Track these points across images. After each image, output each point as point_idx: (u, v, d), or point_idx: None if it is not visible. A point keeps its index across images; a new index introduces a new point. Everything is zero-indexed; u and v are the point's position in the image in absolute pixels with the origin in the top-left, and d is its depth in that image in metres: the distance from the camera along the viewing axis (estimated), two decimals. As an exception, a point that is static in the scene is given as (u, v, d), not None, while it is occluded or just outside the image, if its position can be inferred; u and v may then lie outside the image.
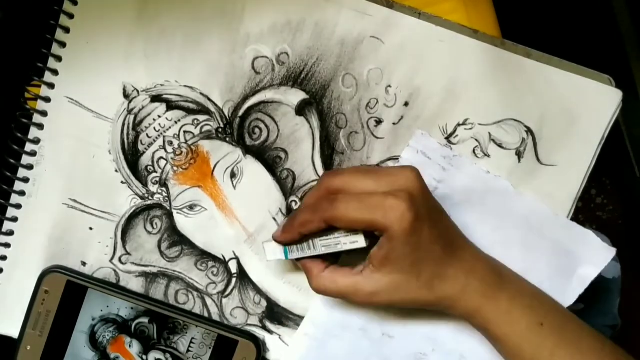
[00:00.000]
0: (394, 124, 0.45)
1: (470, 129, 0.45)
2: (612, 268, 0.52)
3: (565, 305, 0.44)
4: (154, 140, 0.46)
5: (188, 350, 0.47)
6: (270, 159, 0.46)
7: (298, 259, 0.42)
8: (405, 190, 0.37)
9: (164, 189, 0.46)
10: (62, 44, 0.44)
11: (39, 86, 0.45)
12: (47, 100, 0.45)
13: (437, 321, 0.45)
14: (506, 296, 0.40)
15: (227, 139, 0.46)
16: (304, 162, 0.46)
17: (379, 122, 0.45)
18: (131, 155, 0.46)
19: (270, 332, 0.47)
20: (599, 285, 0.45)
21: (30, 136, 0.45)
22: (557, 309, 0.42)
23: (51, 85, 0.45)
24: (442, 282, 0.39)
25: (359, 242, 0.39)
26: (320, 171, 0.46)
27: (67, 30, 0.44)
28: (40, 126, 0.45)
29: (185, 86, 0.45)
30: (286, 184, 0.46)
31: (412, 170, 0.39)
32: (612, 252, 0.45)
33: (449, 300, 0.40)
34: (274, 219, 0.46)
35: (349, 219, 0.37)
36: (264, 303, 0.47)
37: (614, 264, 0.51)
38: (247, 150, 0.46)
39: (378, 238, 0.39)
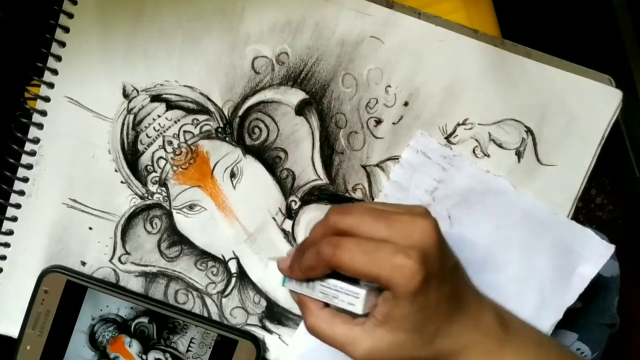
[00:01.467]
0: (393, 123, 0.45)
1: (470, 128, 0.45)
2: (610, 266, 0.52)
3: (567, 304, 0.44)
4: (154, 140, 0.46)
5: (188, 350, 0.47)
6: (270, 158, 0.46)
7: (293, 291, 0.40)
8: (418, 248, 0.33)
9: (163, 188, 0.46)
10: (62, 44, 0.44)
11: (39, 86, 0.45)
12: (47, 99, 0.45)
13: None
14: (510, 350, 0.38)
15: (227, 139, 0.46)
16: (304, 161, 0.46)
17: (378, 121, 0.45)
18: (131, 154, 0.46)
19: (269, 331, 0.47)
20: (597, 284, 0.45)
21: (30, 136, 0.45)
22: (564, 356, 0.40)
23: (51, 85, 0.45)
24: (444, 338, 0.36)
25: (356, 306, 0.35)
26: (320, 171, 0.46)
27: (66, 29, 0.44)
28: (40, 126, 0.45)
29: (184, 86, 0.45)
30: (286, 184, 0.46)
31: (429, 221, 0.35)
32: (610, 248, 0.45)
33: (449, 356, 0.37)
34: (274, 218, 0.46)
35: (353, 269, 0.34)
36: (264, 303, 0.47)
37: (612, 262, 0.51)
38: (247, 150, 0.46)
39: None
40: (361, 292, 0.35)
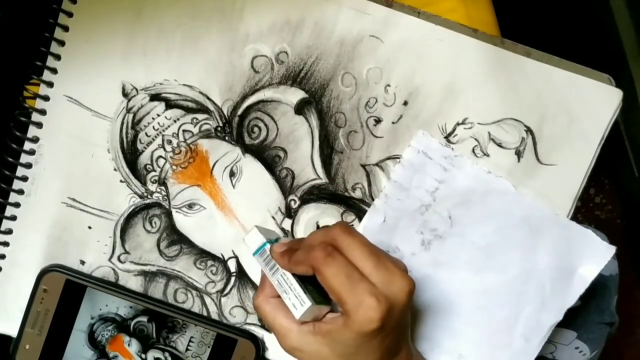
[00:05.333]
0: (393, 123, 0.45)
1: (470, 128, 0.45)
2: (609, 265, 0.52)
3: (568, 305, 0.44)
4: (153, 139, 0.46)
5: (187, 349, 0.47)
6: (269, 157, 0.46)
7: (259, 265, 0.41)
8: (390, 300, 0.36)
9: (162, 187, 0.46)
10: (61, 43, 0.44)
11: (38, 85, 0.45)
12: (46, 98, 0.45)
13: (435, 321, 0.45)
14: None
15: (226, 138, 0.46)
16: (303, 161, 0.46)
17: (378, 121, 0.45)
18: (130, 154, 0.46)
19: (269, 330, 0.47)
20: (596, 283, 0.45)
21: (29, 135, 0.45)
22: None
23: (50, 84, 0.45)
24: None
25: (297, 311, 0.38)
26: (320, 170, 0.46)
27: (66, 29, 0.44)
28: (39, 125, 0.45)
29: (184, 85, 0.45)
30: (285, 183, 0.46)
31: (410, 285, 0.37)
32: (611, 250, 0.45)
33: None
34: (273, 217, 0.46)
35: (329, 283, 0.36)
36: (263, 302, 0.47)
37: (611, 261, 0.51)
38: (246, 149, 0.46)
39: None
40: (308, 302, 0.37)
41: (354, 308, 0.36)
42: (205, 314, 0.47)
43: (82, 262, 0.47)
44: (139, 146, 0.46)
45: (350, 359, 0.38)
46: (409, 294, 0.37)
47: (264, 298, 0.40)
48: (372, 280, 0.36)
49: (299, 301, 0.38)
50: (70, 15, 0.44)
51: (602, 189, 0.99)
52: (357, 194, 0.46)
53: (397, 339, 0.38)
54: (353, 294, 0.36)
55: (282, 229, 0.46)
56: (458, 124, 0.45)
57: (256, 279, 0.47)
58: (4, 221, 0.46)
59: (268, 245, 0.40)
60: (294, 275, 0.39)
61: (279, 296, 0.39)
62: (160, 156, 0.46)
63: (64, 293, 0.45)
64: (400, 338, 0.39)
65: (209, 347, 0.47)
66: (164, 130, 0.45)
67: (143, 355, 0.47)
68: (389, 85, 0.45)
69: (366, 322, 0.36)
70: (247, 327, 0.47)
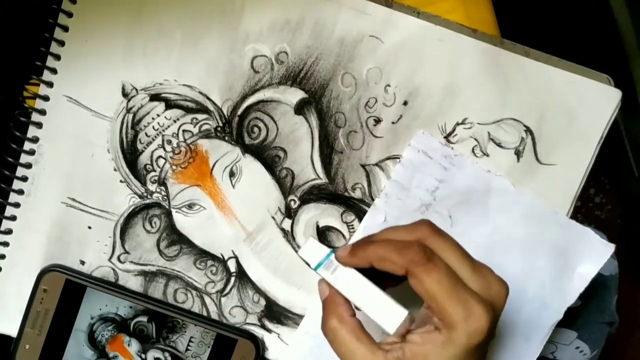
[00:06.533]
0: (392, 123, 0.45)
1: (469, 128, 0.45)
2: (609, 265, 0.52)
3: (568, 304, 0.44)
4: (153, 139, 0.46)
5: (187, 349, 0.47)
6: (269, 158, 0.46)
7: (323, 282, 0.36)
8: (494, 306, 0.32)
9: (162, 187, 0.46)
10: (61, 43, 0.44)
11: (38, 85, 0.45)
12: (46, 99, 0.45)
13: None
14: None
15: (226, 138, 0.46)
16: (303, 161, 0.46)
17: (377, 121, 0.45)
18: (130, 154, 0.46)
19: (269, 330, 0.47)
20: (596, 282, 0.45)
21: (29, 135, 0.45)
22: None
23: (50, 84, 0.45)
24: None
25: (392, 325, 0.32)
26: (319, 170, 0.46)
27: (65, 29, 0.44)
28: (39, 125, 0.45)
29: (184, 85, 0.45)
30: (285, 183, 0.46)
31: (507, 287, 0.33)
32: (610, 248, 0.45)
33: None
34: (273, 217, 0.46)
35: (431, 291, 0.31)
36: (263, 302, 0.47)
37: (611, 260, 0.51)
38: (246, 149, 0.46)
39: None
40: (404, 311, 0.33)
41: (462, 319, 0.31)
42: (205, 314, 0.47)
43: (82, 262, 0.47)
44: (139, 146, 0.46)
45: None
46: (506, 296, 0.33)
47: (339, 320, 0.34)
48: (471, 285, 0.32)
49: (392, 312, 0.32)
50: (70, 15, 0.44)
51: (601, 188, 0.99)
52: (357, 194, 0.46)
53: (486, 352, 0.34)
54: (461, 303, 0.31)
55: (282, 229, 0.46)
56: (458, 123, 0.45)
57: (256, 278, 0.47)
58: (4, 221, 0.46)
59: (333, 255, 0.35)
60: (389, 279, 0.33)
61: (354, 315, 0.34)
62: (160, 156, 0.46)
63: (63, 293, 0.45)
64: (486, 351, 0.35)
65: (208, 347, 0.47)
66: (163, 130, 0.46)
67: (143, 355, 0.47)
68: (388, 85, 0.45)
69: (476, 334, 0.31)
70: (247, 327, 0.47)
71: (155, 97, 0.45)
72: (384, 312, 0.32)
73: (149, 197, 0.46)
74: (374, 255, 0.33)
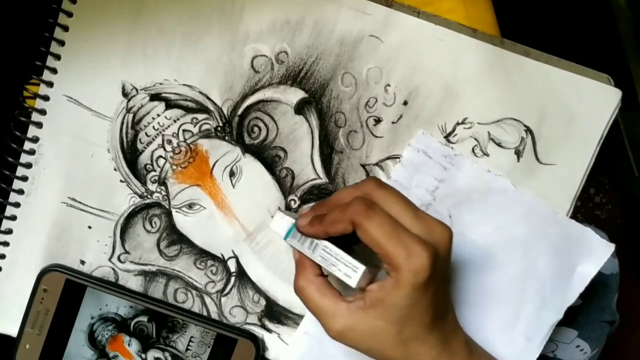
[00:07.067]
0: (393, 122, 0.45)
1: (469, 128, 0.45)
2: (610, 264, 0.52)
3: (568, 304, 0.44)
4: (153, 139, 0.46)
5: (187, 349, 0.47)
6: (269, 157, 0.46)
7: (293, 247, 0.40)
8: (435, 246, 0.35)
9: (162, 187, 0.46)
10: (61, 43, 0.44)
11: (38, 84, 0.45)
12: (46, 98, 0.45)
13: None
14: None
15: (226, 138, 0.46)
16: (303, 160, 0.46)
17: (378, 120, 0.45)
18: (130, 153, 0.46)
19: (269, 330, 0.47)
20: (597, 281, 0.45)
21: (29, 135, 0.45)
22: None
23: (50, 84, 0.45)
24: (419, 346, 0.37)
25: (352, 279, 0.36)
26: (320, 170, 0.46)
27: (65, 28, 0.44)
28: (39, 125, 0.45)
29: (184, 85, 0.45)
30: (285, 183, 0.46)
31: (449, 230, 0.37)
32: (611, 247, 0.45)
33: None
34: (273, 217, 0.46)
35: (374, 238, 0.35)
36: (263, 302, 0.47)
37: (612, 259, 0.51)
38: (246, 149, 0.46)
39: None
40: (361, 267, 0.36)
41: (405, 259, 0.34)
42: (205, 313, 0.47)
43: (82, 262, 0.47)
44: (139, 146, 0.46)
45: (405, 326, 0.36)
46: (449, 239, 0.37)
47: (305, 279, 0.38)
48: (413, 231, 0.35)
49: (351, 268, 0.36)
50: (70, 15, 0.44)
51: (601, 188, 0.99)
52: (357, 193, 0.46)
53: (444, 295, 0.38)
54: (401, 245, 0.34)
55: (282, 229, 0.46)
56: (458, 123, 0.45)
57: (256, 278, 0.47)
58: (4, 221, 0.46)
59: None
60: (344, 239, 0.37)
61: (320, 275, 0.38)
62: (160, 156, 0.46)
63: (64, 293, 0.45)
64: (447, 293, 0.39)
65: (209, 347, 0.47)
66: (164, 130, 0.46)
67: (143, 355, 0.47)
68: (388, 85, 0.45)
69: (419, 271, 0.34)
70: (247, 327, 0.47)
71: (155, 97, 0.45)
72: (345, 269, 0.36)
73: (149, 196, 0.46)
74: (327, 225, 0.37)
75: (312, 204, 0.45)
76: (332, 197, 0.39)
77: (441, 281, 0.37)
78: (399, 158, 0.46)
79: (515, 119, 0.45)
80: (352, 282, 0.36)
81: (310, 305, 0.38)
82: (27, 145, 0.45)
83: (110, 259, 0.47)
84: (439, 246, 0.36)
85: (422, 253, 0.34)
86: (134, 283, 0.47)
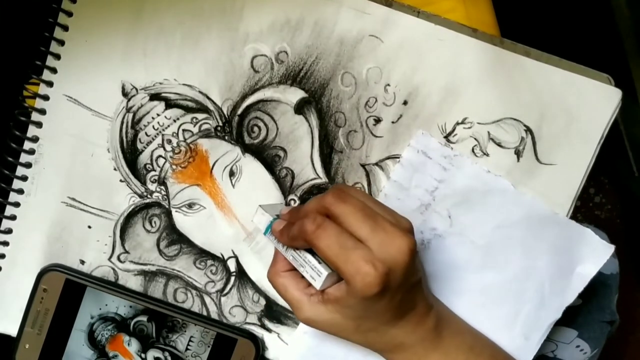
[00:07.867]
0: (392, 122, 0.45)
1: (469, 127, 0.45)
2: (610, 264, 0.52)
3: (567, 304, 0.44)
4: (153, 139, 0.46)
5: (187, 349, 0.47)
6: (269, 157, 0.46)
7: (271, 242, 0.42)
8: (387, 264, 0.36)
9: (162, 187, 0.46)
10: (61, 42, 0.44)
11: (38, 84, 0.45)
12: (46, 98, 0.45)
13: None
14: (438, 355, 0.41)
15: (226, 138, 0.46)
16: (303, 160, 0.46)
17: (377, 120, 0.45)
18: (130, 153, 0.46)
19: (269, 330, 0.47)
20: (597, 281, 0.45)
21: (29, 134, 0.45)
22: (496, 358, 0.44)
23: (50, 84, 0.45)
24: (378, 336, 0.40)
25: (316, 282, 0.38)
26: (319, 169, 0.46)
27: (65, 28, 0.44)
28: (39, 124, 0.45)
29: (184, 84, 0.45)
30: (285, 183, 0.46)
31: (408, 241, 0.37)
32: (610, 248, 0.45)
33: (379, 350, 0.42)
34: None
35: (324, 255, 0.37)
36: (263, 301, 0.47)
37: (612, 259, 0.51)
38: (246, 149, 0.46)
39: None
40: (324, 272, 0.38)
41: (351, 277, 0.36)
42: (205, 313, 0.47)
43: (82, 262, 0.47)
44: (139, 146, 0.46)
45: (364, 322, 0.39)
46: (408, 253, 0.37)
47: (275, 273, 0.41)
48: (368, 245, 0.36)
49: (315, 272, 0.39)
50: (70, 14, 0.44)
51: (601, 188, 0.99)
52: (357, 193, 0.46)
53: (408, 295, 0.39)
54: (349, 263, 0.36)
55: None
56: (458, 123, 0.45)
57: (256, 278, 0.47)
58: (4, 221, 0.46)
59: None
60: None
61: (291, 269, 0.41)
62: (160, 156, 0.46)
63: (63, 292, 0.45)
64: (413, 292, 0.40)
65: (208, 346, 0.47)
66: (163, 130, 0.46)
67: (143, 355, 0.47)
68: (388, 84, 0.45)
69: (365, 288, 0.36)
70: (247, 326, 0.47)
71: (155, 97, 0.45)
72: (311, 272, 0.39)
73: (148, 196, 0.46)
74: (290, 239, 0.39)
75: (294, 206, 0.46)
76: (304, 207, 0.40)
77: (399, 288, 0.37)
78: (398, 158, 0.46)
79: (515, 119, 0.45)
80: (317, 284, 0.39)
81: (281, 296, 0.41)
82: (27, 145, 0.45)
83: (110, 259, 0.47)
84: (393, 261, 0.36)
85: (369, 272, 0.35)
86: (134, 283, 0.47)
